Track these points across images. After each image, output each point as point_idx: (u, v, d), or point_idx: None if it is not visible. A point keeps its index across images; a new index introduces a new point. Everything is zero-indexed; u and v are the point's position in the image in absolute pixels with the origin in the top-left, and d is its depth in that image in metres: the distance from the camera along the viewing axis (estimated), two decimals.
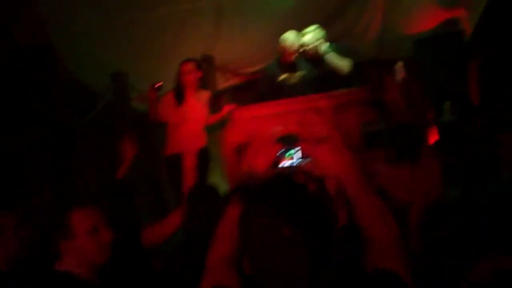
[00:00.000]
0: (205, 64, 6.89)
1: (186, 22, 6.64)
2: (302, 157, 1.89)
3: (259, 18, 6.87)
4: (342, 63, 6.11)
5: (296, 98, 5.72)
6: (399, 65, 6.00)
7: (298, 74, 6.15)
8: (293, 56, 6.07)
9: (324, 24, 6.59)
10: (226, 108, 5.80)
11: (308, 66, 6.22)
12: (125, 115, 6.62)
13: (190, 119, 5.68)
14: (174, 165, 5.39)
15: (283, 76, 6.13)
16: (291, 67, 6.15)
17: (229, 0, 6.63)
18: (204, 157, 5.78)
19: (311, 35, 6.12)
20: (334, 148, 1.80)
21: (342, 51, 6.20)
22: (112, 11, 6.24)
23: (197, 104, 5.75)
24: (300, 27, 6.25)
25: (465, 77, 6.38)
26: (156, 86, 5.53)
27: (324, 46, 6.13)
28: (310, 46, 6.10)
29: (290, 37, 6.01)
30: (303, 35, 6.13)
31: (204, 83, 6.01)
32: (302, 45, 6.11)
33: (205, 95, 5.89)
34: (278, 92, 6.05)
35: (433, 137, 6.00)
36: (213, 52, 7.12)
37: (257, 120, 5.55)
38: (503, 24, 6.07)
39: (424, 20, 6.97)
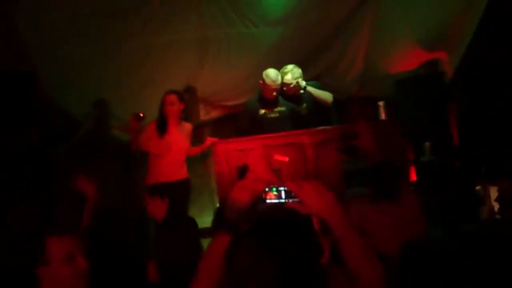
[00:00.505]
0: (188, 95, 6.94)
1: (170, 52, 6.70)
2: (288, 196, 1.92)
3: (243, 52, 6.93)
4: (325, 94, 6.22)
5: (277, 133, 5.75)
6: (381, 104, 6.07)
7: (278, 110, 6.20)
8: (274, 93, 6.11)
9: (307, 61, 6.69)
10: (208, 141, 5.81)
11: (288, 102, 6.29)
12: (106, 143, 6.61)
13: (172, 150, 5.70)
14: (155, 194, 5.41)
15: (263, 111, 6.18)
16: (271, 103, 6.21)
17: (214, 33, 6.71)
18: (185, 189, 5.80)
19: (291, 75, 6.16)
20: (318, 189, 1.85)
21: (322, 89, 6.29)
22: (96, 39, 6.30)
23: (179, 135, 5.78)
24: (283, 64, 6.30)
25: (445, 118, 6.49)
26: (137, 116, 5.54)
27: (303, 83, 6.21)
28: (291, 85, 6.15)
29: (272, 74, 6.06)
30: (282, 75, 6.17)
31: (186, 115, 6.04)
32: (283, 84, 6.16)
33: (187, 126, 5.93)
34: (258, 126, 6.08)
35: (413, 176, 6.07)
36: (196, 84, 7.13)
37: (239, 153, 5.56)
38: (483, 69, 6.21)
39: (406, 60, 7.08)
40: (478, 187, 5.93)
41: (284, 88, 6.19)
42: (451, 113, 6.54)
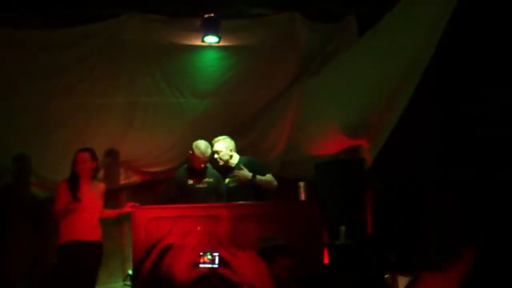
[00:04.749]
0: (110, 159, 7.06)
1: (97, 114, 6.87)
2: (220, 262, 2.02)
3: (169, 120, 7.19)
4: (270, 179, 6.49)
5: (198, 204, 5.92)
6: (301, 184, 6.36)
7: (206, 181, 6.41)
8: (202, 164, 6.35)
9: (232, 135, 6.90)
10: (128, 206, 5.85)
11: (216, 174, 6.55)
12: (22, 199, 6.57)
13: (83, 208, 5.75)
14: (67, 253, 5.60)
15: (191, 182, 6.35)
16: (200, 173, 6.43)
17: (143, 101, 6.96)
18: (96, 251, 5.85)
19: (223, 143, 6.45)
20: (252, 258, 2.00)
21: (250, 164, 6.56)
22: (23, 94, 6.43)
23: (91, 193, 5.88)
24: (208, 136, 6.55)
25: (361, 204, 6.80)
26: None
27: (236, 158, 6.47)
28: (222, 154, 6.43)
29: (201, 145, 6.33)
30: (214, 142, 6.46)
31: (106, 177, 6.15)
32: (214, 152, 6.44)
33: (100, 186, 6.11)
34: (186, 196, 6.25)
35: (325, 258, 6.29)
36: (118, 147, 7.25)
37: (158, 221, 5.64)
38: (399, 161, 6.61)
39: (328, 145, 7.41)
40: (387, 275, 6.18)
41: (215, 156, 6.45)
42: (367, 200, 6.86)
